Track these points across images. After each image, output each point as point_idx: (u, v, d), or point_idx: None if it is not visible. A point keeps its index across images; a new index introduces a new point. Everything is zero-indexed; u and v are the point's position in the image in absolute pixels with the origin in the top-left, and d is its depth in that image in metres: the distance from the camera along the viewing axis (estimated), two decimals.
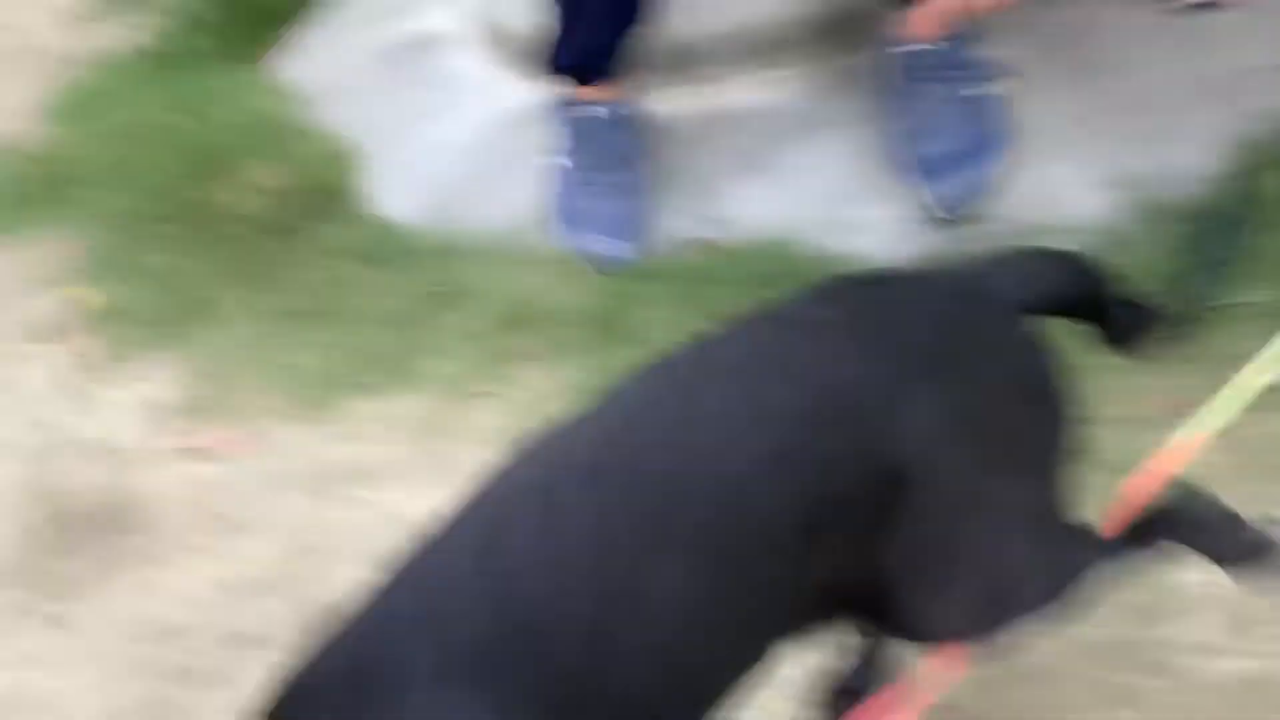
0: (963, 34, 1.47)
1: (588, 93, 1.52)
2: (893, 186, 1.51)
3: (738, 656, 0.68)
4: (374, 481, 1.41)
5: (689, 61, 1.66)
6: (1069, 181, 1.47)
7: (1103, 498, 1.12)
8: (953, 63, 1.45)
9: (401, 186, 1.75)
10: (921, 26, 1.46)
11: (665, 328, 1.45)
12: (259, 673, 1.22)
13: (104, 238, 1.89)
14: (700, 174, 1.59)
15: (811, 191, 1.53)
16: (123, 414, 1.58)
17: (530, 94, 1.74)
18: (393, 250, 1.68)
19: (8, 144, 2.11)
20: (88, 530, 1.44)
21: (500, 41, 1.84)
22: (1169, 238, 1.39)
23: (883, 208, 1.50)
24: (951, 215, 1.44)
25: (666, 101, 1.67)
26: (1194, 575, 1.06)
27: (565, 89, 1.55)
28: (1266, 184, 1.42)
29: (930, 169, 1.44)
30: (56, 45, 2.57)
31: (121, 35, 2.53)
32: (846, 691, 0.95)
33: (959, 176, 1.43)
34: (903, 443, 0.68)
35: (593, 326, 1.47)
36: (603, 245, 1.51)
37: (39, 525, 1.45)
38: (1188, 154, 1.47)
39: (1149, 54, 1.59)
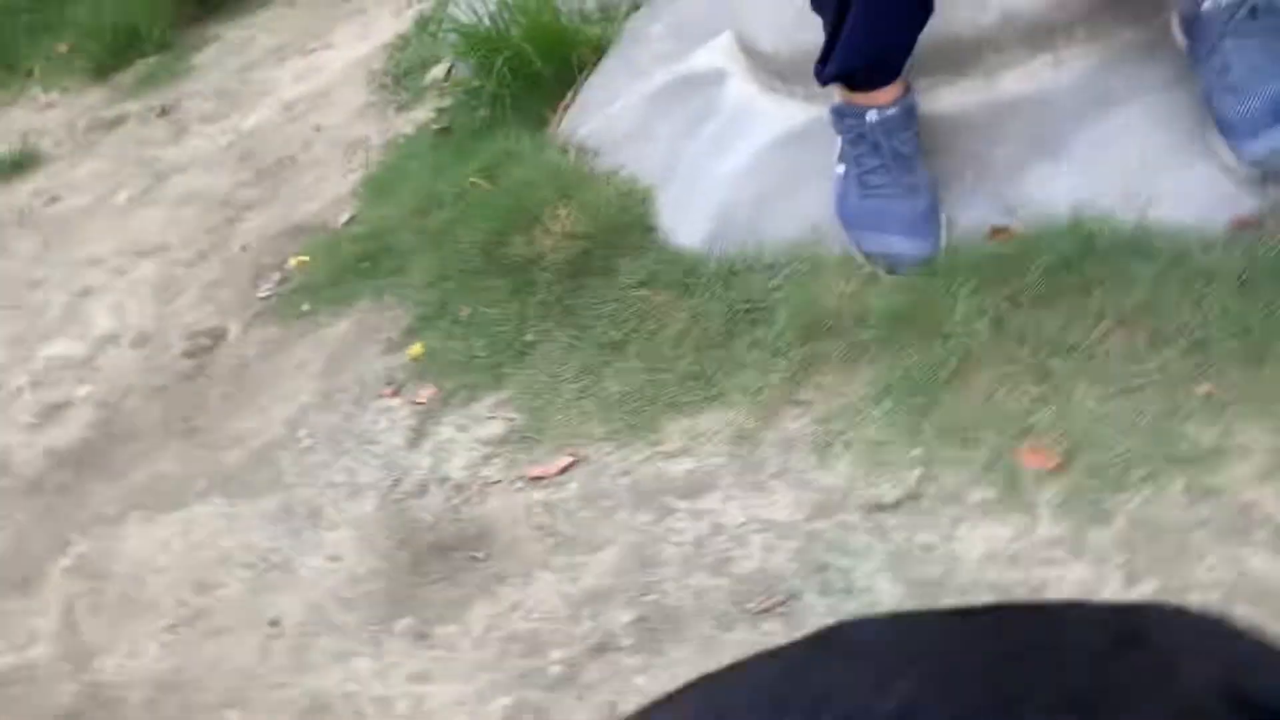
0: None
1: (861, 98, 1.55)
2: (1198, 151, 1.45)
3: None
4: (695, 493, 1.48)
5: (965, 55, 1.66)
6: None
7: None
8: (1255, 12, 1.38)
9: (690, 216, 1.84)
10: None
11: (971, 318, 1.45)
12: (614, 678, 1.32)
13: (424, 298, 2.08)
14: (990, 164, 1.59)
15: (1107, 168, 1.49)
16: (461, 451, 1.73)
17: (799, 112, 1.80)
18: (690, 277, 1.76)
19: (332, 227, 2.37)
20: (443, 558, 1.58)
21: (762, 67, 1.91)
22: None
23: (1190, 174, 1.44)
24: (1267, 173, 1.37)
25: (947, 97, 1.67)
26: None
27: (841, 97, 1.59)
28: None
29: (1240, 127, 1.37)
30: (360, 137, 2.86)
31: (415, 119, 2.80)
32: None
33: (1273, 133, 1.35)
34: None
35: (896, 327, 1.49)
36: (897, 245, 1.53)
37: (401, 557, 1.60)
38: None
39: None
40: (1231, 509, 1.15)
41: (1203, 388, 1.26)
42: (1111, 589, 1.14)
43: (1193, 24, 1.43)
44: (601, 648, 1.35)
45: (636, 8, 2.58)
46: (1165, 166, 1.46)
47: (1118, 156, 1.50)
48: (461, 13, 2.70)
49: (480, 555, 1.56)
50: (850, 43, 1.47)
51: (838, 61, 1.50)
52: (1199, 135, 1.45)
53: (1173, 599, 1.10)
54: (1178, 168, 1.45)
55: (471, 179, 2.13)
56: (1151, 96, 1.53)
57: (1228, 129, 1.39)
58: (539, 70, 2.38)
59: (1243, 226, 1.38)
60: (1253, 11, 1.38)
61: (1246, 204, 1.40)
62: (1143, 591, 1.13)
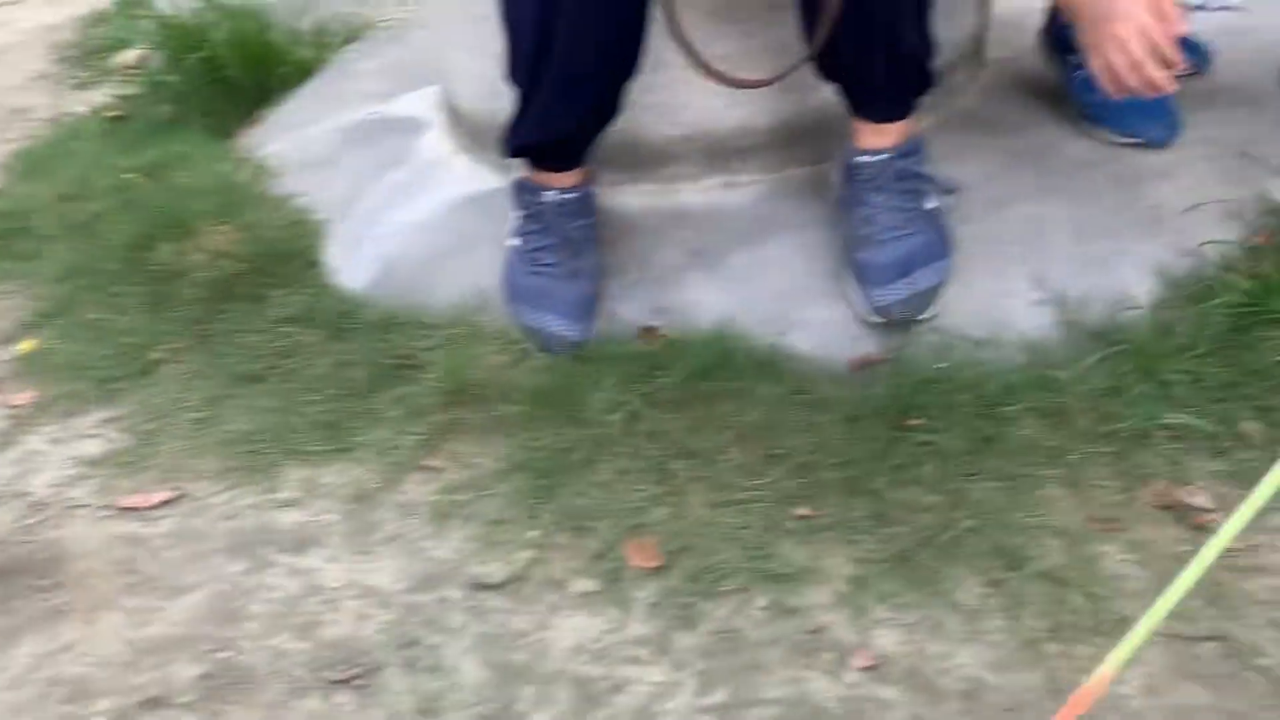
0: (913, 148, 1.53)
1: (544, 177, 1.56)
2: (835, 290, 1.55)
3: None
4: (298, 548, 1.39)
5: (652, 160, 1.71)
6: (1007, 296, 1.53)
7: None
8: (902, 174, 1.51)
9: (359, 260, 1.78)
10: (872, 138, 1.52)
11: (608, 409, 1.47)
12: None
13: (51, 292, 1.88)
14: (653, 266, 1.63)
15: (756, 289, 1.57)
16: (50, 467, 1.55)
17: (489, 177, 1.79)
18: (345, 321, 1.69)
19: None
20: (1, 582, 1.40)
21: (465, 126, 1.90)
22: (1096, 359, 1.44)
23: (826, 309, 1.54)
24: (891, 321, 1.48)
25: (626, 195, 1.72)
26: None
27: (523, 172, 1.59)
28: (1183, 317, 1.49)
29: (873, 276, 1.49)
30: (25, 106, 2.59)
31: (91, 101, 2.57)
32: None
33: (900, 285, 1.47)
34: None
35: (537, 406, 1.48)
36: (553, 325, 1.53)
37: None
38: (1119, 281, 1.54)
39: (1092, 184, 1.68)
40: (804, 630, 1.20)
41: (801, 510, 1.33)
42: (684, 696, 1.16)
43: (846, 175, 1.54)
44: (155, 702, 1.22)
45: (353, 40, 2.52)
46: (806, 298, 1.55)
47: (767, 280, 1.58)
48: (168, 1, 2.53)
49: (44, 584, 1.39)
50: (534, 120, 1.48)
51: (519, 135, 1.51)
52: (838, 275, 1.56)
53: (737, 712, 1.14)
54: (816, 301, 1.55)
55: (127, 173, 1.97)
56: (807, 231, 1.63)
57: (861, 276, 1.50)
58: (235, 78, 2.25)
59: (861, 366, 1.48)
60: (899, 174, 1.51)
61: (868, 346, 1.50)
62: (713, 701, 1.15)
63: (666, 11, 1.40)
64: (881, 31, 1.38)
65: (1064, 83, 1.81)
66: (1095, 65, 1.46)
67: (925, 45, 1.45)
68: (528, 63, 1.42)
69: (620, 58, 1.45)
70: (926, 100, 1.84)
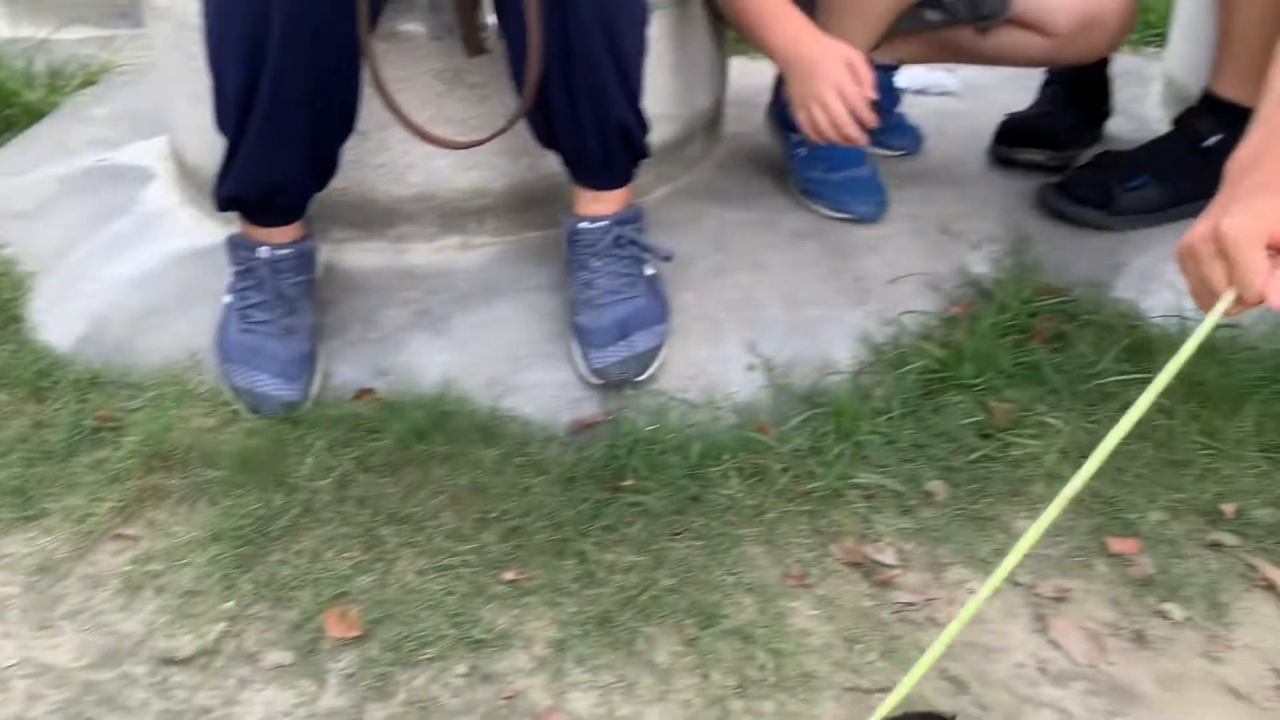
0: (632, 216, 1.57)
1: (258, 232, 1.52)
2: (558, 353, 1.57)
3: None
4: None
5: (381, 219, 1.70)
6: (721, 361, 1.58)
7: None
8: (621, 241, 1.54)
9: (66, 315, 1.68)
10: (593, 206, 1.56)
11: (318, 474, 1.43)
12: None
13: None
14: (377, 325, 1.61)
15: (480, 351, 1.57)
16: None
17: (214, 231, 1.73)
18: (44, 380, 1.59)
19: None
20: None
21: (187, 179, 1.83)
22: (799, 420, 1.51)
23: (549, 372, 1.55)
24: (609, 383, 1.51)
25: (352, 253, 1.70)
26: None
27: (239, 227, 1.55)
28: (881, 381, 1.58)
29: (592, 339, 1.51)
30: None
31: None
32: None
33: (618, 347, 1.50)
34: None
35: (244, 470, 1.43)
36: (264, 385, 1.48)
37: None
38: (826, 347, 1.62)
39: (806, 255, 1.76)
40: (500, 696, 1.19)
41: (509, 573, 1.32)
42: None
43: (568, 240, 1.57)
44: None
45: (89, 84, 2.41)
46: (530, 360, 1.57)
47: (492, 342, 1.58)
48: None
49: None
50: (241, 173, 1.44)
51: (227, 187, 1.47)
52: (562, 338, 1.58)
53: None
54: (540, 364, 1.56)
55: None
56: (537, 294, 1.65)
57: (581, 338, 1.53)
58: None
59: (580, 429, 1.50)
60: (617, 240, 1.55)
61: (588, 408, 1.52)
62: None
63: (373, 74, 1.40)
64: (588, 99, 1.42)
65: (786, 159, 1.91)
66: (800, 118, 1.61)
67: (636, 116, 1.50)
68: (234, 114, 1.39)
69: (329, 116, 1.43)
70: (667, 170, 1.91)
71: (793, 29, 1.60)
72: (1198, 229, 0.99)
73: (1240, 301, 0.94)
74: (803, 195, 1.87)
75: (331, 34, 1.35)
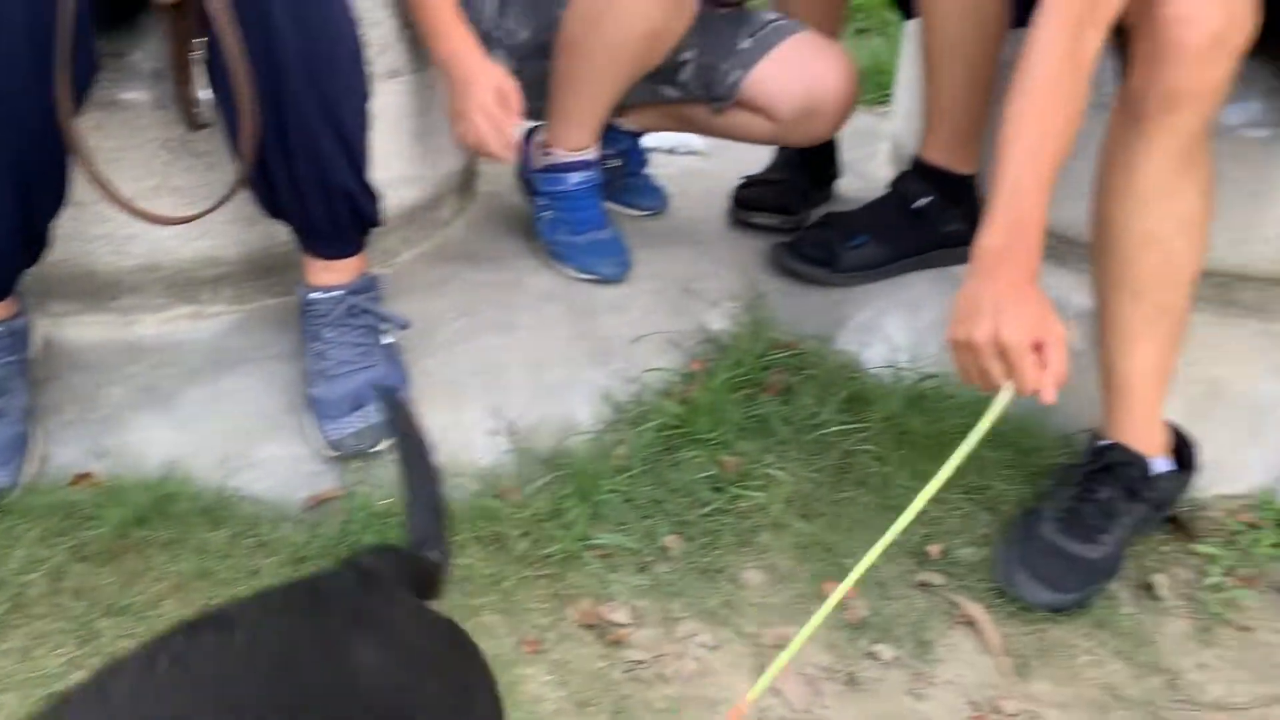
0: (366, 285, 1.57)
1: None
2: (293, 426, 1.54)
3: None
4: None
5: (105, 290, 1.64)
6: (462, 428, 1.59)
7: None
8: (354, 310, 1.54)
9: None
10: (324, 275, 1.54)
11: (29, 567, 1.35)
12: None
13: None
14: (99, 404, 1.54)
15: (213, 428, 1.53)
16: None
17: None
18: None
19: None
20: None
21: None
22: (541, 484, 1.53)
23: (281, 446, 1.52)
24: (346, 455, 1.50)
25: (73, 329, 1.62)
26: None
27: None
28: (622, 439, 1.62)
29: (327, 410, 1.49)
30: None
31: None
32: None
33: (353, 418, 1.49)
34: None
35: None
36: None
37: None
38: (570, 408, 1.65)
39: (551, 317, 1.80)
40: None
41: None
42: None
43: (301, 311, 1.55)
44: None
45: None
46: (263, 435, 1.53)
47: (222, 418, 1.54)
48: None
49: None
50: None
51: None
52: (296, 409, 1.55)
53: None
54: (273, 438, 1.53)
55: None
56: (271, 365, 1.62)
57: (317, 410, 1.51)
58: None
59: (318, 504, 1.48)
60: (350, 310, 1.54)
61: (325, 483, 1.50)
62: None
63: (79, 150, 1.35)
64: (309, 169, 1.42)
65: (534, 221, 1.95)
66: (455, 131, 1.71)
67: (362, 185, 1.50)
68: None
69: (38, 191, 1.37)
70: (415, 234, 1.92)
71: (457, 45, 1.67)
72: (980, 330, 1.25)
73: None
74: (550, 257, 1.91)
75: (32, 109, 1.30)
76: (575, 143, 1.84)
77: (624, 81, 1.80)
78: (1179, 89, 1.30)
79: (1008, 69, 1.87)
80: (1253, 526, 1.59)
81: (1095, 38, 1.30)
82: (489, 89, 1.64)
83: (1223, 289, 1.82)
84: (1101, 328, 1.49)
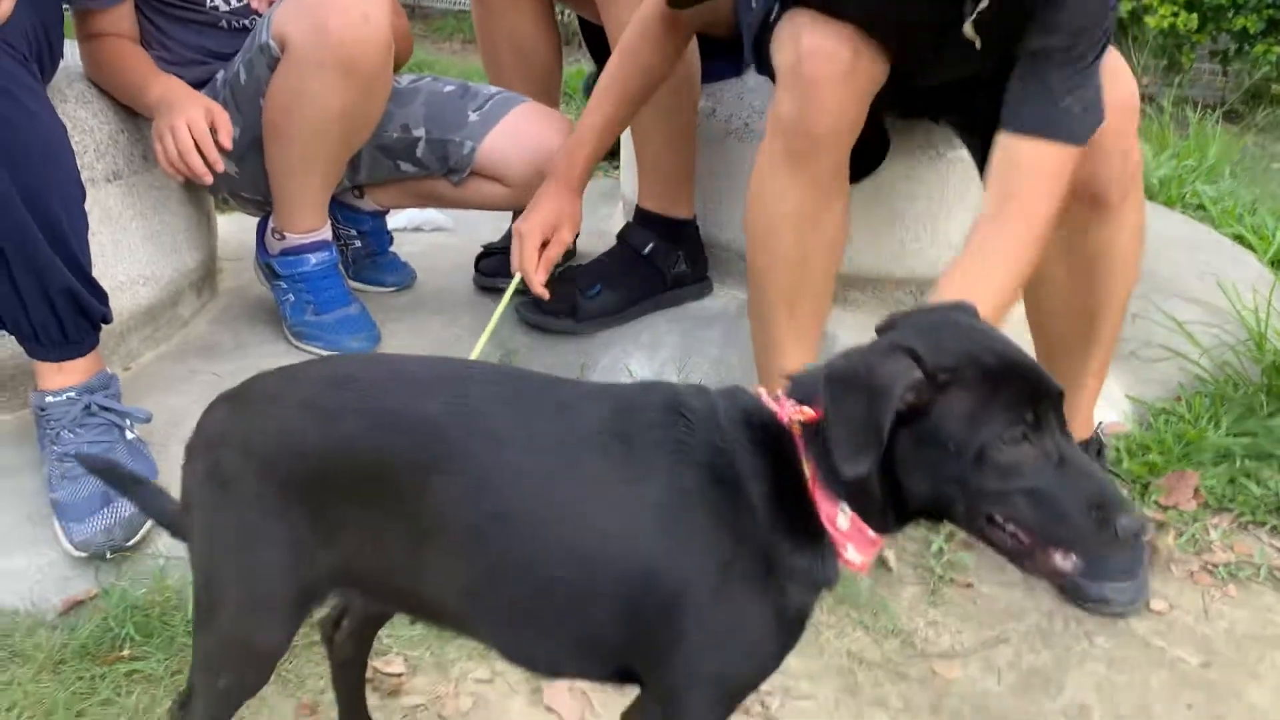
0: (100, 383, 1.56)
1: None
2: (43, 535, 1.51)
3: None
4: None
5: None
6: None
7: None
8: (91, 410, 1.53)
9: None
10: (57, 378, 1.53)
11: None
12: None
13: None
14: None
15: None
16: None
17: None
18: None
19: None
20: None
21: None
22: None
23: (29, 556, 1.49)
24: (98, 554, 1.47)
25: None
26: None
27: None
28: None
29: (72, 512, 1.47)
30: None
31: None
32: None
33: (101, 515, 1.47)
34: None
35: None
36: None
37: None
38: None
39: None
40: None
41: None
42: None
43: (39, 415, 1.53)
44: None
45: None
46: (7, 547, 1.49)
47: None
48: None
49: None
50: None
51: None
52: (45, 517, 1.52)
53: None
54: (20, 548, 1.49)
55: None
56: (11, 478, 1.58)
57: (62, 513, 1.48)
58: None
59: (72, 607, 1.45)
60: (88, 409, 1.53)
61: (78, 585, 1.47)
62: None
63: None
64: (25, 273, 1.42)
65: (279, 306, 1.98)
66: (156, 150, 1.77)
67: (87, 284, 1.50)
68: None
69: None
70: (157, 333, 1.91)
71: (166, 84, 1.77)
72: (521, 220, 1.75)
73: None
74: (296, 339, 1.94)
75: None
76: (306, 225, 1.90)
77: (335, 161, 1.86)
78: (817, 121, 1.45)
79: (708, 119, 2.07)
80: None
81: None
82: (198, 107, 1.72)
83: (923, 291, 2.05)
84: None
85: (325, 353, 1.91)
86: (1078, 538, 0.87)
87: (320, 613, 1.10)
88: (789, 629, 0.94)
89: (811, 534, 0.91)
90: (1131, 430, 1.90)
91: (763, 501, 0.90)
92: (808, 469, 0.91)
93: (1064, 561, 0.88)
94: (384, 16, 1.71)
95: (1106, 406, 1.85)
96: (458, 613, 1.02)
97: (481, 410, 0.94)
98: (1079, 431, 1.70)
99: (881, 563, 1.63)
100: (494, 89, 2.07)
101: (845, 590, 1.56)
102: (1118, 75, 1.45)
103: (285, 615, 0.99)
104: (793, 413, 0.91)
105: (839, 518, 0.91)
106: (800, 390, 0.93)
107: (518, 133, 1.99)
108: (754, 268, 1.58)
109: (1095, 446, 1.70)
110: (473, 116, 2.00)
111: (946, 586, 1.61)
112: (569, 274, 2.11)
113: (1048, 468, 0.86)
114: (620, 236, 2.11)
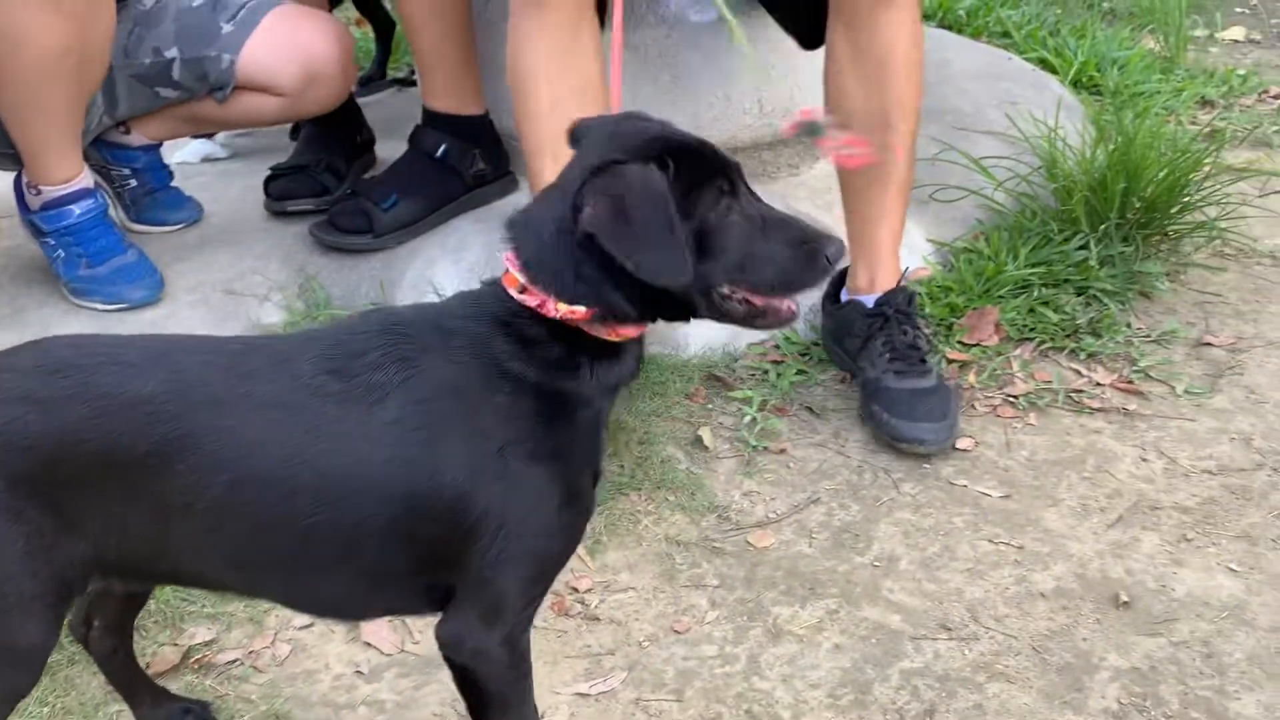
0: None
1: None
2: None
3: None
4: None
5: None
6: None
7: None
8: None
9: None
10: None
11: None
12: None
13: None
14: None
15: None
16: None
17: None
18: None
19: None
20: None
21: None
22: None
23: None
24: None
25: None
26: None
27: None
28: None
29: None
30: None
31: None
32: None
33: None
34: None
35: None
36: None
37: None
38: None
39: None
40: None
41: None
42: None
43: None
44: None
45: None
46: None
47: None
48: None
49: None
50: None
51: None
52: None
53: None
54: None
55: None
56: None
57: None
58: None
59: None
60: None
61: None
62: None
63: None
64: None
65: (50, 264, 1.86)
66: None
67: None
68: None
69: None
70: None
71: None
72: None
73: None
74: (75, 297, 1.83)
75: None
76: (61, 175, 1.77)
77: (72, 101, 1.73)
78: None
79: (485, 4, 1.98)
80: (778, 363, 1.79)
81: None
82: None
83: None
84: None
85: (106, 308, 1.81)
86: (796, 276, 0.98)
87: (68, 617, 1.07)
88: (582, 496, 0.99)
89: (580, 353, 0.96)
90: (934, 273, 1.92)
91: (516, 369, 0.94)
92: (544, 301, 0.94)
93: (791, 305, 0.99)
94: None
95: (908, 253, 1.87)
96: (233, 581, 1.03)
97: (199, 381, 0.94)
98: (885, 280, 1.72)
99: (698, 441, 1.64)
100: None
101: (663, 475, 1.57)
102: None
103: (42, 612, 0.96)
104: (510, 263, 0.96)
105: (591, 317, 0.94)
106: (520, 233, 0.96)
107: (277, 37, 1.88)
108: (516, 120, 1.65)
109: (905, 295, 1.72)
110: (226, 28, 1.88)
111: (760, 456, 1.62)
112: (359, 188, 2.02)
113: (754, 229, 0.97)
114: (411, 141, 2.02)
